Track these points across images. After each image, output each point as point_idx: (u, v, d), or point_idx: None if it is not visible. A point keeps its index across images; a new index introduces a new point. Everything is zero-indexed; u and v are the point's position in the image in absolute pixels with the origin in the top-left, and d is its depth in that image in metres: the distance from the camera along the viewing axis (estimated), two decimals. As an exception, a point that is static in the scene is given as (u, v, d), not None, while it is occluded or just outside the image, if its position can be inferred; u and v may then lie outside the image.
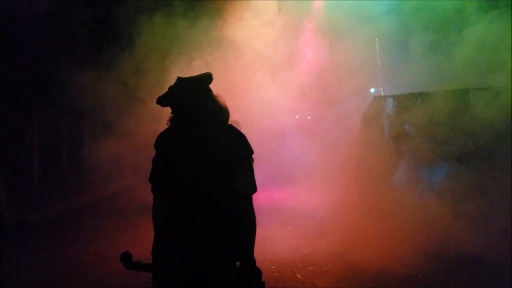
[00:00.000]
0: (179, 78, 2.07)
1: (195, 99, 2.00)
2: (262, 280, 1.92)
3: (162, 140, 2.04)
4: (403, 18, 8.00)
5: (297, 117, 11.65)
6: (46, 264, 4.87)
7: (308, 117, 12.93)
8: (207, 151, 1.94)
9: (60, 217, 7.61)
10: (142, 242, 5.27)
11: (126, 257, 1.97)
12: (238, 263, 1.97)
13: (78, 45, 9.70)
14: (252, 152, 2.03)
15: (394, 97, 6.24)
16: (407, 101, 5.91)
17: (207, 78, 2.08)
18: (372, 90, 15.99)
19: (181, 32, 7.96)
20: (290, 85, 8.79)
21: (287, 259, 4.83)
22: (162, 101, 2.02)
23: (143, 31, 8.41)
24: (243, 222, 1.95)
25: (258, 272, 1.92)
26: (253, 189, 1.98)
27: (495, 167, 4.92)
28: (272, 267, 4.60)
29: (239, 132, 2.04)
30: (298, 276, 4.34)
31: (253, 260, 1.95)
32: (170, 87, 2.05)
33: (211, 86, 2.11)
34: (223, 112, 2.07)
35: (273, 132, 9.05)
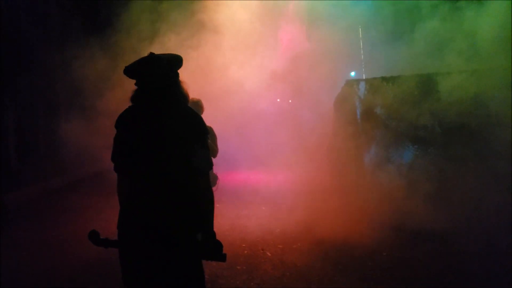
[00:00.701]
0: (151, 54, 2.09)
1: (162, 80, 2.05)
2: (225, 252, 2.01)
3: (122, 120, 2.09)
4: (383, 4, 8.11)
5: (278, 100, 11.69)
6: (22, 243, 4.90)
7: (290, 100, 12.99)
8: (164, 131, 2.01)
9: (37, 198, 7.60)
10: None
11: (93, 235, 2.08)
12: (199, 236, 2.08)
13: (53, 24, 9.46)
14: (207, 132, 2.13)
15: (366, 81, 6.40)
16: (378, 85, 6.06)
17: (178, 61, 2.13)
18: (353, 73, 16.08)
19: (156, 12, 7.86)
20: (268, 68, 8.80)
21: (259, 238, 5.00)
22: (130, 72, 2.04)
23: (121, 10, 8.26)
24: (202, 197, 2.05)
25: (218, 244, 2.03)
26: (209, 166, 2.09)
27: (458, 149, 5.15)
28: (244, 245, 4.76)
29: (195, 112, 2.12)
30: (268, 253, 4.52)
31: (213, 233, 2.05)
32: (140, 61, 2.06)
33: (183, 67, 2.16)
34: (184, 98, 2.15)
35: (251, 115, 9.13)
